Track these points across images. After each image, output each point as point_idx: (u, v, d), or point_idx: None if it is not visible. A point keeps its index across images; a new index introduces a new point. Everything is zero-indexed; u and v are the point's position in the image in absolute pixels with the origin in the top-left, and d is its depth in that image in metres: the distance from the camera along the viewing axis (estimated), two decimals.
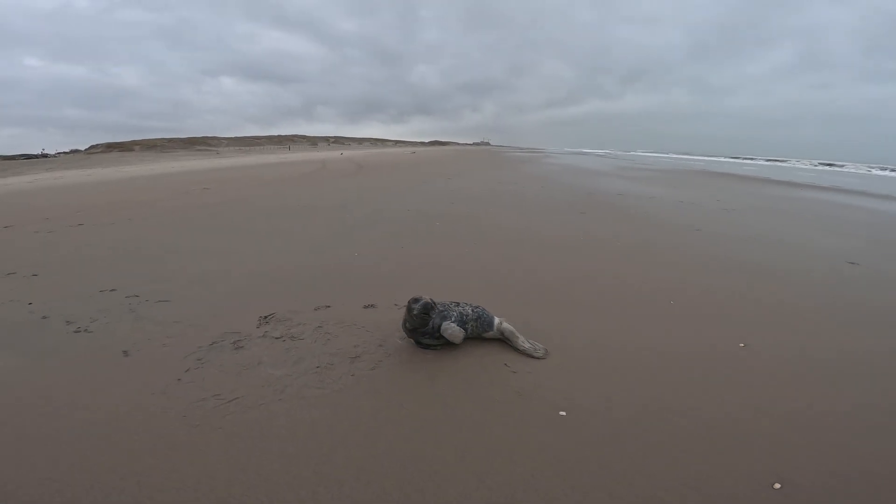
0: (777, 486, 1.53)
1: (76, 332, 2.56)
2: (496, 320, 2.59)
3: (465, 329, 2.49)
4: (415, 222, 5.81)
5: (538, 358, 2.42)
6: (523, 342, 2.51)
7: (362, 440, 1.70)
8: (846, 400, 2.06)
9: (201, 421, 1.78)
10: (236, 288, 3.31)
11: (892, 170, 36.28)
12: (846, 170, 36.25)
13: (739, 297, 3.42)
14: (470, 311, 2.55)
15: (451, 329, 2.43)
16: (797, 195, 12.07)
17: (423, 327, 2.40)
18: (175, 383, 2.05)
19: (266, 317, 2.78)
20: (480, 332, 2.55)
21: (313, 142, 79.12)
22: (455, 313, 2.50)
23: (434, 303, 2.41)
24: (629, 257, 4.46)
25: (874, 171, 33.72)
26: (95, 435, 1.70)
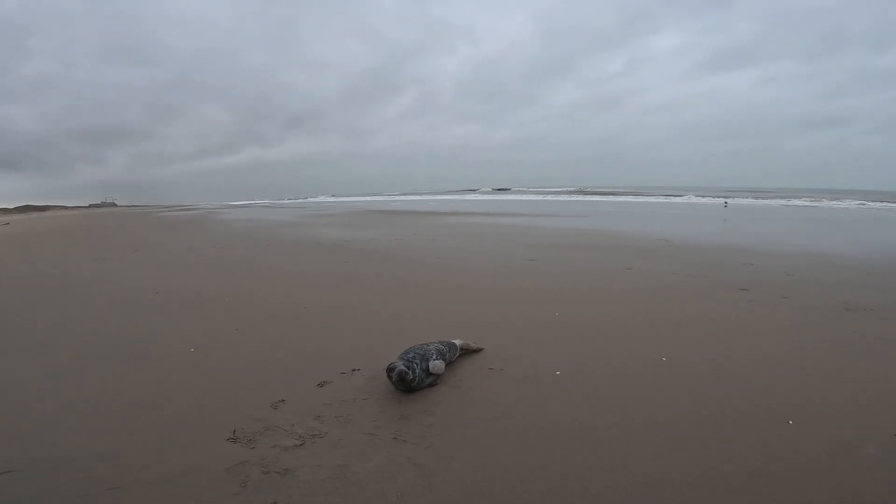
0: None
1: None
2: (457, 342, 3.40)
3: (445, 359, 3.18)
4: None
5: (481, 348, 3.58)
6: (474, 343, 3.59)
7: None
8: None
9: None
10: None
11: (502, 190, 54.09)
12: (453, 197, 51.03)
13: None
14: (441, 346, 3.24)
15: (439, 365, 3.08)
16: (467, 221, 16.79)
17: (415, 384, 2.86)
18: None
19: None
20: (453, 357, 3.29)
21: None
22: (434, 350, 3.14)
23: (406, 369, 2.82)
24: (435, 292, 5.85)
25: (469, 197, 48.99)
26: None
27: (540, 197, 44.01)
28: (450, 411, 2.66)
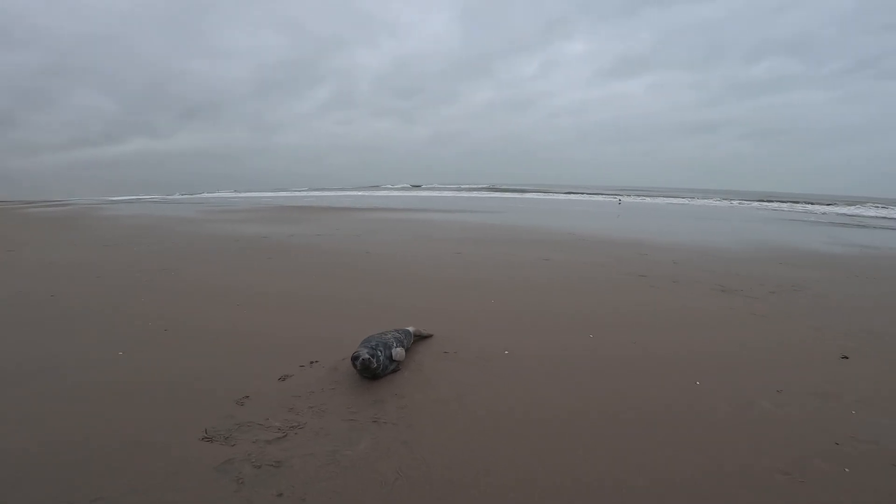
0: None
1: None
2: (411, 329, 3.58)
3: (404, 346, 3.35)
4: None
5: (431, 334, 3.82)
6: (424, 330, 3.82)
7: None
8: None
9: None
10: None
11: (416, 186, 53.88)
12: (368, 194, 50.27)
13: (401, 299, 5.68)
14: (398, 334, 3.39)
15: (400, 352, 3.25)
16: (388, 217, 16.72)
17: (379, 371, 3.02)
18: None
19: None
20: (409, 344, 3.47)
21: None
22: (393, 339, 3.29)
23: (370, 357, 2.95)
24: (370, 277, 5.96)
25: (383, 193, 48.65)
26: None
27: (454, 193, 45.17)
28: (418, 393, 2.86)
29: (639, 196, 38.92)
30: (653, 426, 2.54)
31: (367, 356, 2.94)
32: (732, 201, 33.91)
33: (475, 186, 60.39)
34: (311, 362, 3.31)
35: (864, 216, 23.76)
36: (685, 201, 34.18)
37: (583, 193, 40.99)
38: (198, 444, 2.24)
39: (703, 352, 3.65)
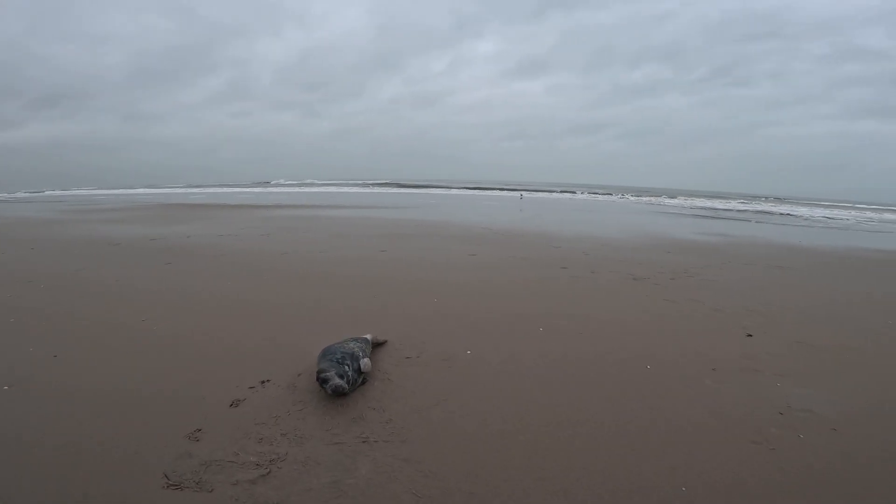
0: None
1: None
2: (368, 336, 3.40)
3: (367, 356, 3.17)
4: None
5: (386, 340, 3.70)
6: (380, 337, 3.68)
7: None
8: None
9: None
10: None
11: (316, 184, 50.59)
12: (267, 190, 46.62)
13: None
14: (359, 343, 3.20)
15: (368, 363, 3.07)
16: (296, 214, 15.65)
17: (350, 390, 2.80)
18: None
19: None
20: (369, 352, 3.29)
21: None
22: (358, 349, 3.10)
23: (343, 383, 2.73)
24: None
25: (283, 189, 45.61)
26: None
27: (359, 189, 44.04)
28: (396, 404, 2.74)
29: (537, 191, 41.60)
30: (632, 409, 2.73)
31: (338, 382, 2.70)
32: (614, 195, 37.95)
33: (379, 182, 59.50)
34: (263, 382, 2.99)
35: (716, 208, 28.12)
36: (577, 196, 37.39)
37: (485, 189, 42.67)
38: (164, 493, 1.88)
39: (642, 338, 4.02)
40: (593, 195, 38.15)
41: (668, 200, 34.24)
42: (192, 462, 2.12)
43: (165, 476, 2.01)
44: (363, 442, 2.33)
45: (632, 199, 35.01)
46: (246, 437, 2.34)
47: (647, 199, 35.84)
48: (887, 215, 30.43)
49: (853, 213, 30.98)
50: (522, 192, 36.80)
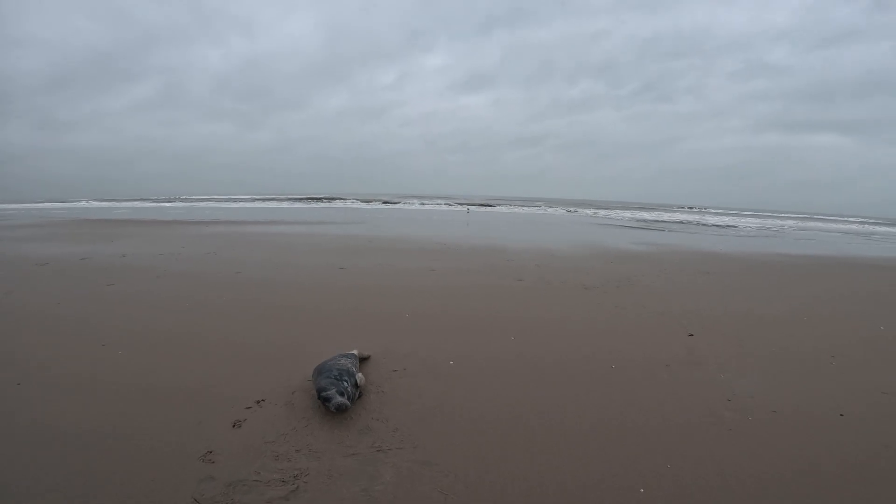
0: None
1: None
2: (355, 351, 3.53)
3: (358, 369, 3.29)
4: None
5: (370, 355, 3.81)
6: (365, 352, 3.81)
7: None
8: None
9: None
10: None
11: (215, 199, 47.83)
12: (199, 204, 43.89)
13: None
14: (349, 359, 3.31)
15: (362, 378, 3.20)
16: (240, 231, 14.99)
17: (350, 405, 2.90)
18: None
19: None
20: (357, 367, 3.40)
21: None
22: (351, 365, 3.22)
23: (345, 401, 2.83)
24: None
25: (219, 204, 43.21)
26: None
27: (301, 204, 42.80)
28: (398, 412, 2.91)
29: (481, 205, 42.72)
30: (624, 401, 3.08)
31: (341, 400, 2.82)
32: (551, 208, 39.93)
33: (319, 196, 58.17)
34: (258, 402, 3.02)
35: (645, 219, 30.54)
36: (517, 209, 38.87)
37: (430, 203, 43.15)
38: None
39: (602, 340, 4.46)
40: (535, 209, 39.83)
41: (603, 212, 36.59)
42: (217, 484, 2.16)
43: (196, 500, 2.03)
44: (378, 451, 2.47)
45: (570, 211, 37.04)
46: (260, 455, 2.40)
47: (585, 211, 38.08)
48: (789, 222, 34.62)
49: (758, 220, 34.95)
50: (469, 207, 37.69)
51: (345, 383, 2.92)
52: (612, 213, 36.33)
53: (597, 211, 38.17)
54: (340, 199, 52.28)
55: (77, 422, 2.72)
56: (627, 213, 35.79)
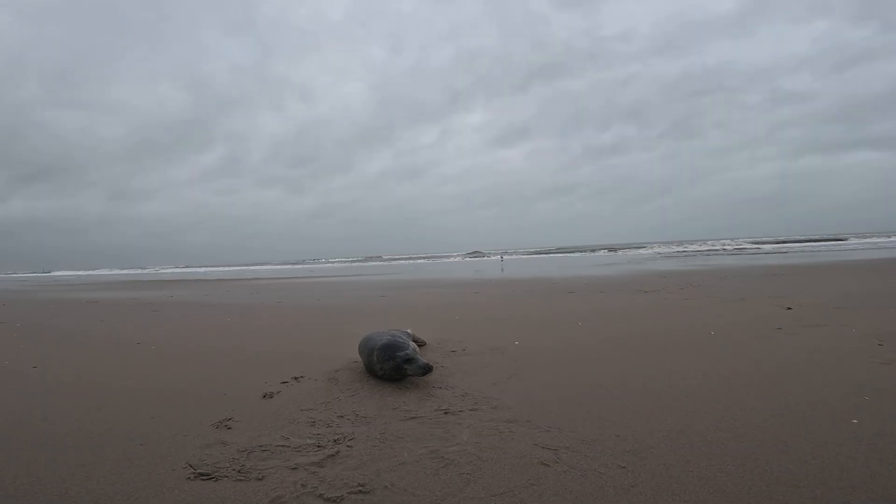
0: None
1: None
2: (409, 329, 3.12)
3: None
4: None
5: (425, 342, 3.31)
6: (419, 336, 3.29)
7: None
8: None
9: None
10: None
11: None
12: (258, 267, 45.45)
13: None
14: (401, 333, 2.79)
15: (416, 347, 2.64)
16: (280, 283, 15.00)
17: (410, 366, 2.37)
18: None
19: None
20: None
21: None
22: (408, 338, 2.70)
23: (411, 353, 2.38)
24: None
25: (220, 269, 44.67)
26: None
27: (349, 264, 43.25)
28: (464, 382, 2.40)
29: (513, 254, 41.88)
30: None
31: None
32: (591, 252, 38.66)
33: (368, 256, 58.91)
34: (296, 378, 2.55)
35: (685, 250, 28.98)
36: (550, 255, 37.85)
37: (461, 257, 42.85)
38: (191, 485, 1.36)
39: (680, 318, 3.76)
40: (573, 253, 38.79)
41: (643, 250, 35.08)
42: (228, 449, 1.64)
43: (190, 466, 1.53)
44: (445, 413, 1.88)
45: (612, 251, 35.74)
46: (292, 422, 1.86)
47: (621, 252, 36.65)
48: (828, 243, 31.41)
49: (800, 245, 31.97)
50: (502, 255, 37.04)
51: (411, 349, 2.40)
52: (650, 250, 34.78)
53: (637, 251, 36.66)
54: (377, 258, 52.93)
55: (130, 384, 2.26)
56: (665, 249, 34.36)
